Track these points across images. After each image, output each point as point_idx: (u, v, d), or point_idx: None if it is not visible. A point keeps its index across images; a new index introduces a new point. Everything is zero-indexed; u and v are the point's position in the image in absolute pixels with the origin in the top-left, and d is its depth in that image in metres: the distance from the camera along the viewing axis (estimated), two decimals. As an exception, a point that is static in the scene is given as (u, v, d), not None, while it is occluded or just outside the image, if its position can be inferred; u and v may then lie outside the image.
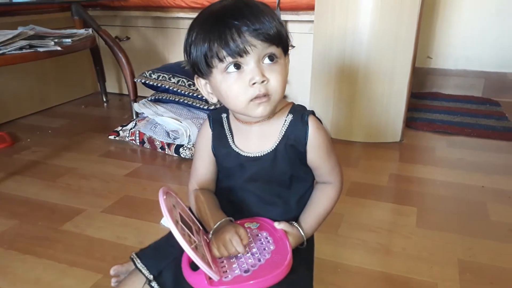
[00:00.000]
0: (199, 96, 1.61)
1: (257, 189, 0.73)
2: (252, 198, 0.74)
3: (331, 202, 0.74)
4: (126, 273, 0.82)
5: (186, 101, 1.63)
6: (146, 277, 0.68)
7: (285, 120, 0.70)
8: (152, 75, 1.70)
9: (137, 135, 1.67)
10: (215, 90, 0.66)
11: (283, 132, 0.69)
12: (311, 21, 1.72)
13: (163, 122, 1.59)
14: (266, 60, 0.62)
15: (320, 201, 0.74)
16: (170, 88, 1.65)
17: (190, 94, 1.62)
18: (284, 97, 0.68)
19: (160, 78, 1.68)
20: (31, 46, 1.45)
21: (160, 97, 1.69)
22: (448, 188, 1.31)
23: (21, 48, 1.41)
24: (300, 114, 0.70)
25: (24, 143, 1.71)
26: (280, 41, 0.62)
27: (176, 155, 1.55)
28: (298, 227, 0.71)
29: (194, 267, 0.59)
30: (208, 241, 0.65)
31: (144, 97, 1.78)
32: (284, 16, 1.80)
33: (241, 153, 0.71)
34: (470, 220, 1.14)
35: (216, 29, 0.59)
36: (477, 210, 1.19)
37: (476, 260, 0.97)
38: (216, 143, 0.74)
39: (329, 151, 0.72)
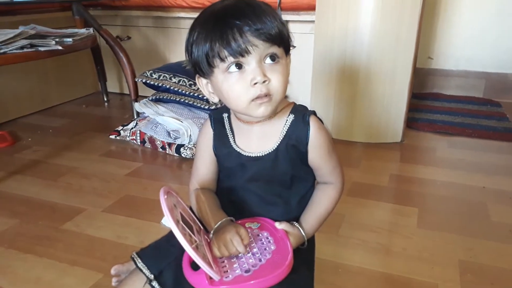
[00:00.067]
0: (200, 96, 1.61)
1: (258, 189, 0.73)
2: (253, 198, 0.74)
3: (332, 202, 0.74)
4: (126, 273, 0.82)
5: (187, 101, 1.63)
6: (147, 277, 0.68)
7: (287, 120, 0.70)
8: (153, 74, 1.70)
9: (138, 134, 1.67)
10: (217, 90, 0.66)
11: (284, 132, 0.69)
12: (312, 21, 1.72)
13: (164, 122, 1.59)
14: (268, 60, 0.62)
15: (321, 202, 0.74)
16: (171, 87, 1.65)
17: (191, 93, 1.62)
18: (285, 97, 0.68)
19: (161, 77, 1.68)
20: (32, 46, 1.45)
21: (161, 97, 1.69)
22: (449, 189, 1.31)
23: (22, 48, 1.41)
24: (301, 114, 0.70)
25: (25, 143, 1.71)
26: (281, 41, 0.62)
27: (177, 155, 1.55)
28: (299, 227, 0.71)
29: (194, 266, 0.59)
30: (209, 240, 0.65)
31: (145, 97, 1.78)
32: (285, 16, 1.80)
33: (242, 153, 0.71)
34: (471, 221, 1.14)
35: (218, 29, 0.59)
36: (478, 210, 1.19)
37: (477, 261, 0.97)
38: (217, 142, 0.74)
39: (330, 151, 0.72)
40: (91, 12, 2.11)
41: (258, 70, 0.61)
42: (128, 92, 1.99)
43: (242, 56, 0.60)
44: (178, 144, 1.55)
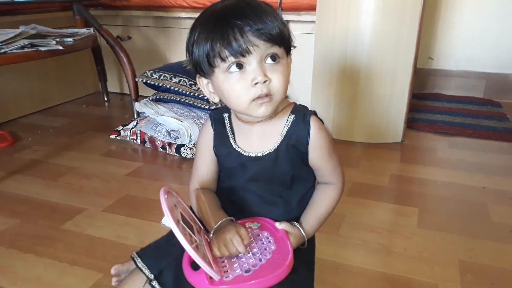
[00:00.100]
0: (200, 96, 1.61)
1: (258, 189, 0.73)
2: (253, 198, 0.74)
3: (333, 202, 0.74)
4: (126, 272, 0.82)
5: (187, 101, 1.63)
6: (147, 277, 0.68)
7: (287, 120, 0.70)
8: (154, 74, 1.70)
9: (138, 134, 1.67)
10: (217, 90, 0.66)
11: (285, 132, 0.69)
12: (313, 22, 1.72)
13: (164, 122, 1.59)
14: (269, 60, 0.62)
15: (322, 202, 0.74)
16: (171, 87, 1.65)
17: (191, 93, 1.62)
18: (286, 97, 0.68)
19: (162, 77, 1.68)
20: (32, 45, 1.45)
21: (161, 97, 1.69)
22: (449, 189, 1.31)
23: (22, 47, 1.41)
24: (302, 114, 0.70)
25: (25, 142, 1.71)
26: (282, 41, 0.62)
27: (177, 155, 1.55)
28: (299, 227, 0.71)
29: (195, 266, 0.59)
30: (209, 240, 0.65)
31: (145, 97, 1.79)
32: (285, 16, 1.80)
33: (243, 153, 0.71)
34: (471, 221, 1.14)
35: (219, 29, 0.59)
36: (478, 211, 1.19)
37: (477, 261, 0.97)
38: (217, 142, 0.74)
39: (331, 152, 0.72)
40: (92, 12, 2.11)
41: (259, 70, 0.61)
42: (128, 92, 1.99)
43: (243, 56, 0.60)
44: (178, 144, 1.55)
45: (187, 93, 1.62)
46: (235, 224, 0.66)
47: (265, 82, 0.61)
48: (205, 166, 0.76)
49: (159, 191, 0.60)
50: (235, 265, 0.61)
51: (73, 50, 1.67)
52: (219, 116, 0.75)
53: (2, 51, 1.34)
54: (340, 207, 0.77)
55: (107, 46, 2.01)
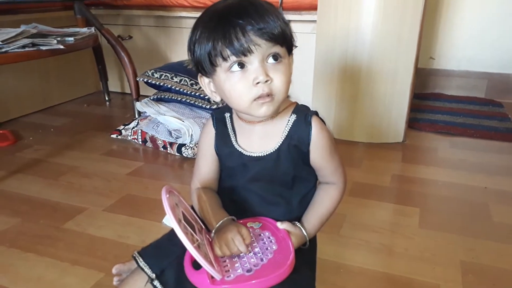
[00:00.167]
0: (201, 96, 1.61)
1: (260, 189, 0.73)
2: (255, 198, 0.74)
3: (334, 202, 0.74)
4: (128, 272, 0.82)
5: (188, 100, 1.63)
6: (149, 276, 0.68)
7: (289, 120, 0.69)
8: (155, 74, 1.70)
9: (139, 134, 1.67)
10: (219, 89, 0.66)
11: (286, 132, 0.69)
12: (314, 21, 1.72)
13: (165, 121, 1.59)
14: (270, 60, 0.62)
15: (323, 202, 0.73)
16: (173, 87, 1.65)
17: (193, 93, 1.62)
18: (287, 96, 0.68)
19: (163, 77, 1.68)
20: (33, 45, 1.45)
21: (162, 96, 1.69)
22: (451, 189, 1.31)
23: (23, 47, 1.41)
24: (303, 114, 0.69)
25: (26, 142, 1.71)
26: (284, 40, 0.62)
27: (178, 154, 1.55)
28: (300, 227, 0.71)
29: (196, 266, 0.59)
30: (210, 240, 0.65)
31: (147, 96, 1.78)
32: (286, 16, 1.76)
33: (244, 152, 0.71)
34: (473, 221, 1.14)
35: (221, 28, 0.59)
36: (479, 211, 1.19)
37: (478, 261, 0.97)
38: (219, 142, 0.73)
39: (332, 152, 0.71)
40: (93, 11, 2.11)
41: (260, 70, 0.61)
42: (129, 92, 1.99)
43: (245, 55, 0.60)
44: (179, 144, 1.55)
45: (188, 92, 1.62)
46: (236, 224, 0.66)
47: (266, 81, 0.61)
48: (206, 165, 0.76)
49: (160, 190, 0.60)
50: (236, 265, 0.61)
51: (74, 50, 1.67)
52: (221, 115, 0.75)
53: (3, 50, 1.34)
54: (341, 207, 0.77)
55: (108, 46, 2.01)
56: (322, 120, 0.71)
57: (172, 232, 0.56)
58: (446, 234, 1.07)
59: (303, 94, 1.75)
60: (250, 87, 0.61)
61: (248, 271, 0.59)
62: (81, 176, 1.40)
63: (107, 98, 2.29)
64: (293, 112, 0.70)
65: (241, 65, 0.61)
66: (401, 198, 1.27)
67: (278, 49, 0.62)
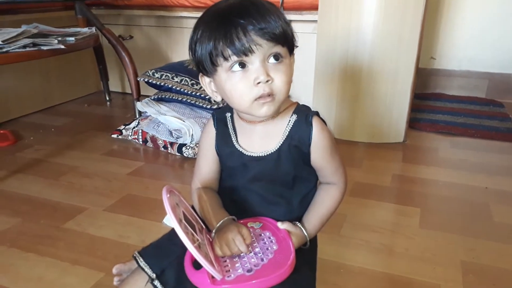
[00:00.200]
0: (202, 95, 1.61)
1: (260, 189, 0.73)
2: (255, 198, 0.73)
3: (335, 203, 0.74)
4: (128, 272, 0.82)
5: (189, 100, 1.63)
6: (149, 276, 0.68)
7: (289, 120, 0.69)
8: (155, 74, 1.70)
9: (140, 134, 1.67)
10: (220, 89, 0.66)
11: (287, 132, 0.69)
12: (315, 21, 1.72)
13: (166, 121, 1.59)
14: (271, 60, 0.62)
15: (324, 202, 0.73)
16: (173, 87, 1.65)
17: (193, 93, 1.62)
18: (288, 96, 0.68)
19: (163, 77, 1.68)
20: (34, 45, 1.45)
21: (163, 96, 1.69)
22: (451, 189, 1.31)
23: (24, 46, 1.41)
24: (304, 114, 0.69)
25: (27, 141, 1.71)
26: (285, 40, 0.62)
27: (179, 154, 1.55)
28: (301, 227, 0.70)
29: (196, 265, 0.59)
30: (211, 240, 0.65)
31: (147, 96, 1.78)
32: (287, 16, 1.77)
33: (245, 152, 0.71)
34: (473, 221, 1.13)
35: (222, 28, 0.59)
36: (480, 211, 1.18)
37: (479, 262, 0.97)
38: (219, 142, 0.73)
39: (333, 152, 0.71)
40: (94, 11, 2.11)
41: (261, 70, 0.61)
42: (130, 92, 1.99)
43: (246, 55, 0.60)
44: (180, 144, 1.55)
45: (189, 92, 1.62)
46: (237, 224, 0.66)
47: (267, 81, 0.61)
48: (207, 165, 0.76)
49: (160, 190, 0.60)
50: (237, 265, 0.61)
51: (75, 50, 1.67)
52: (222, 115, 0.74)
53: (4, 50, 1.34)
54: (341, 207, 0.77)
55: (109, 46, 2.01)
56: (323, 121, 0.71)
57: (172, 232, 0.56)
58: (446, 234, 1.07)
59: (304, 94, 1.75)
60: (251, 87, 0.61)
61: (249, 271, 0.59)
62: (82, 176, 1.40)
63: (107, 98, 2.29)
64: (294, 112, 0.70)
65: (242, 65, 0.61)
66: (402, 198, 1.27)
67: (279, 49, 0.62)
